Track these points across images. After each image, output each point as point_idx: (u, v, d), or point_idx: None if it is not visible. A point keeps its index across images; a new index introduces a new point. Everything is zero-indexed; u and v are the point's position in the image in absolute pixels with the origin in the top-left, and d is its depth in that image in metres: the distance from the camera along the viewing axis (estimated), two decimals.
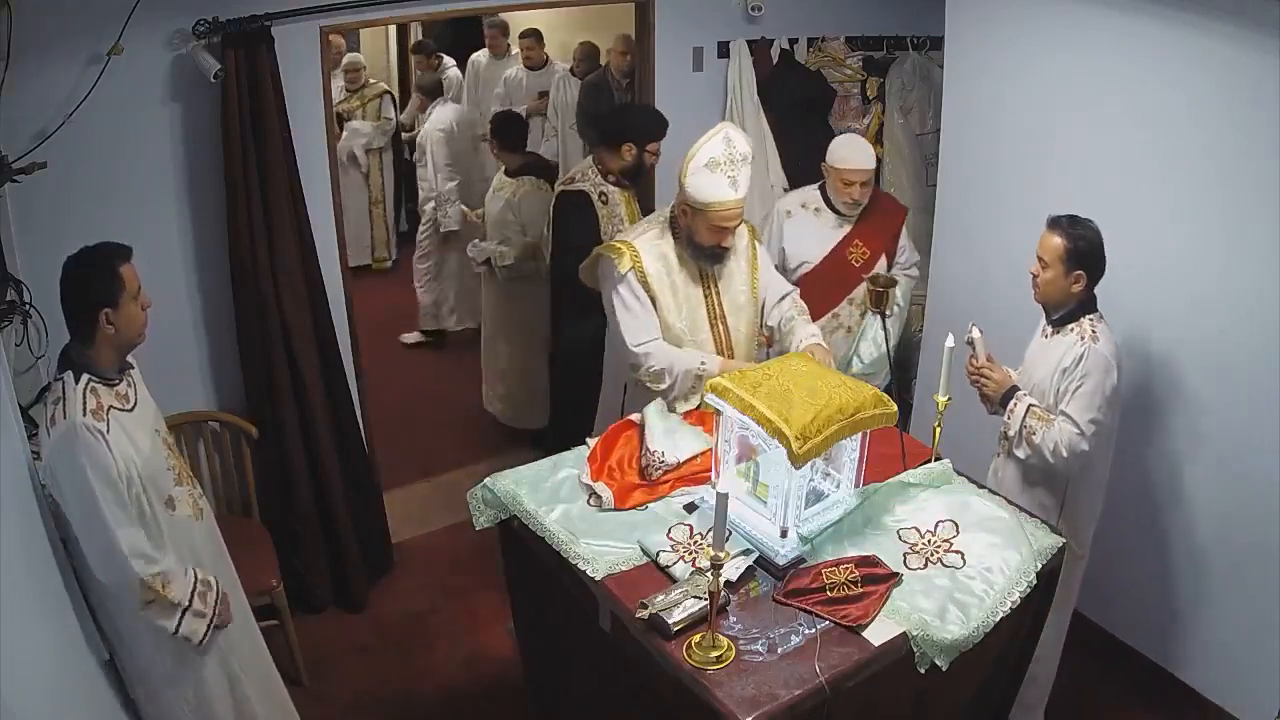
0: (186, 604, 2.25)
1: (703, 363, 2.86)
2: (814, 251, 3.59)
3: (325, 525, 3.49)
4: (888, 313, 3.18)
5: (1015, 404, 2.68)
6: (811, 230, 3.59)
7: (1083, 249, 2.57)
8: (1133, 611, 3.09)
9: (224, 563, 2.54)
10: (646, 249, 2.86)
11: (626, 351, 2.85)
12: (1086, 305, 2.65)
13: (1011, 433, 2.69)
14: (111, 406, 2.22)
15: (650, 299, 2.85)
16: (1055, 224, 2.63)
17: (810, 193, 3.63)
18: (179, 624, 2.24)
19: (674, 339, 2.90)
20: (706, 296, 2.95)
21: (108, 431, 2.16)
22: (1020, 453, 2.67)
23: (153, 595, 2.19)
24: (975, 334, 2.72)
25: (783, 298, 3.08)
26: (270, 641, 2.71)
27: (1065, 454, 2.57)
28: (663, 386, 2.85)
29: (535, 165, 4.46)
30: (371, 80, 6.36)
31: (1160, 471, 3.05)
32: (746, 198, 2.79)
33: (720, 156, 2.70)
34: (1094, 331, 2.61)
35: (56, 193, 2.80)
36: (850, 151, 3.48)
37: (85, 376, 2.19)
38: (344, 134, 6.10)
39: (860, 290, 3.57)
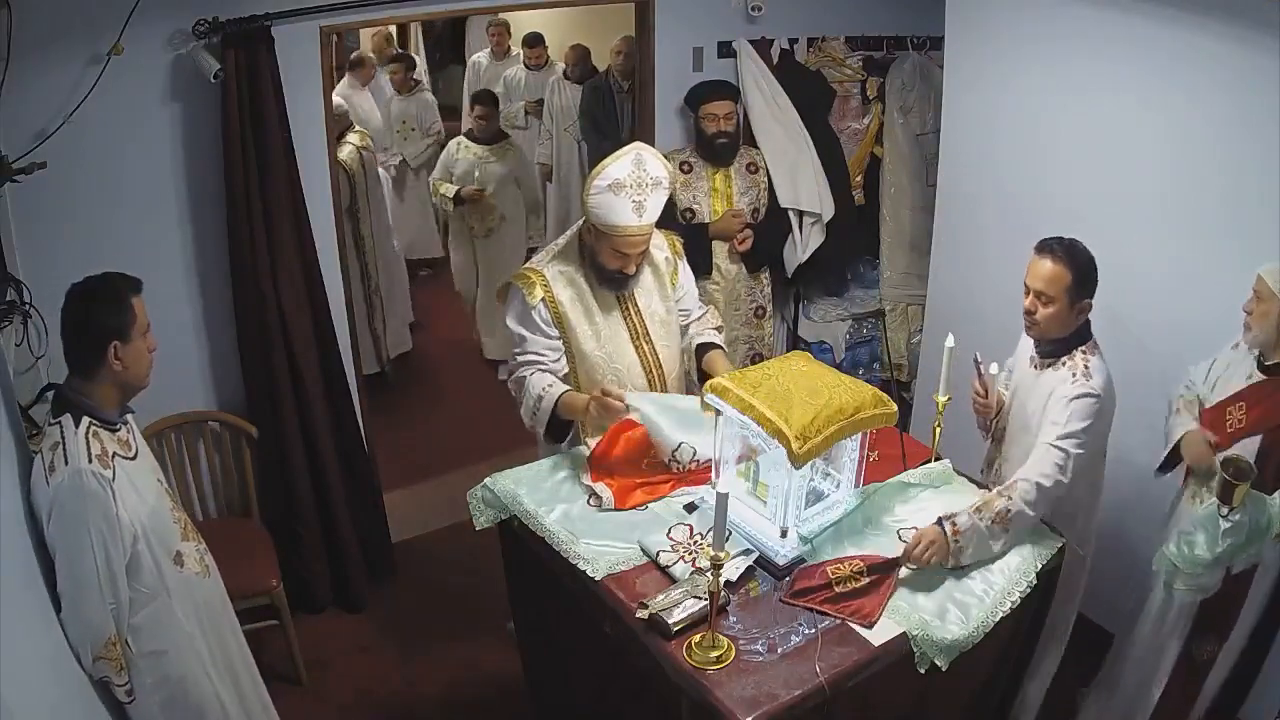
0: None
1: (544, 390, 2.62)
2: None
3: (325, 525, 3.49)
4: (1231, 515, 2.31)
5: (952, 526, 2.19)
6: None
7: (1087, 274, 2.30)
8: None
9: (228, 618, 2.41)
10: (557, 276, 2.67)
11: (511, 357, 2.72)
12: (1082, 332, 2.40)
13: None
14: (116, 453, 2.04)
15: (562, 329, 2.68)
16: (1050, 250, 2.31)
17: None
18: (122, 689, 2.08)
19: (590, 368, 2.71)
20: (625, 317, 2.75)
21: (114, 480, 1.98)
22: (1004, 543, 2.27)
23: (114, 654, 2.03)
24: (994, 368, 2.54)
25: (699, 317, 2.93)
26: (270, 641, 2.71)
27: (1033, 513, 2.25)
28: (518, 397, 2.68)
29: None
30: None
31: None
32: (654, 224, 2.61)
33: (626, 179, 2.50)
34: (1086, 367, 2.34)
35: (56, 193, 2.79)
36: None
37: (86, 420, 2.01)
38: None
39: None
